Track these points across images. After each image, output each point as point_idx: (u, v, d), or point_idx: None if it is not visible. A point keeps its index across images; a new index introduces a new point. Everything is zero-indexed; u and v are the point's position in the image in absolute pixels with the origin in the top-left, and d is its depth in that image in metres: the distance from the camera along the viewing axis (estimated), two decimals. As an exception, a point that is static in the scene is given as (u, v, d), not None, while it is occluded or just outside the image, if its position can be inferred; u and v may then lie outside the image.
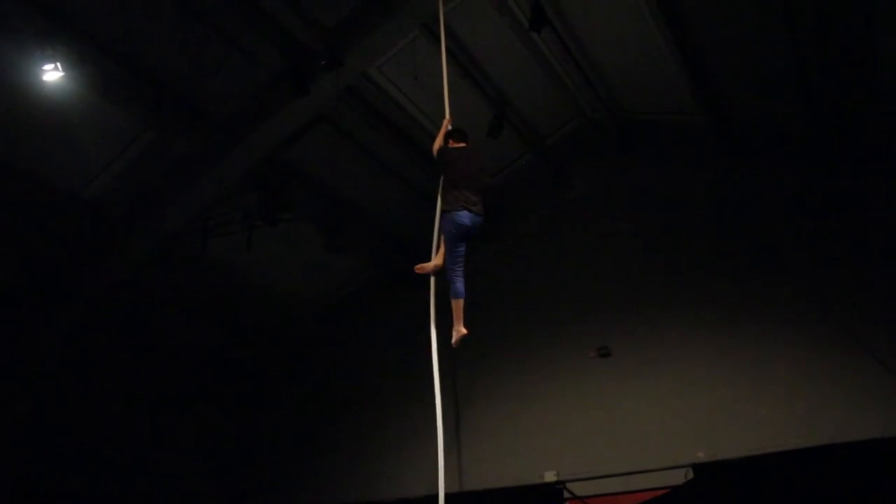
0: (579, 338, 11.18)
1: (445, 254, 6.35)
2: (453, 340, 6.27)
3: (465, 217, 6.24)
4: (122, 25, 8.23)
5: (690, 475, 9.21)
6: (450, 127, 6.94)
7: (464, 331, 6.25)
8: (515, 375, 11.67)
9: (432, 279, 6.40)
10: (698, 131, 10.53)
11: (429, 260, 6.58)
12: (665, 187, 11.48)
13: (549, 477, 10.48)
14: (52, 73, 7.85)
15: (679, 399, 10.02)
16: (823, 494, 8.21)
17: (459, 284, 6.23)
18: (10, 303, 10.67)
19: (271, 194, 10.35)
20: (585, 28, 9.50)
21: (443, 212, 6.34)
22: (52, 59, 7.74)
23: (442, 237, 6.42)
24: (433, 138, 7.13)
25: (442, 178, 6.53)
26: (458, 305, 6.26)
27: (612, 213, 11.87)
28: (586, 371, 10.99)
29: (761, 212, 10.51)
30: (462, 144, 6.79)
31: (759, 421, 9.29)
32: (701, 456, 9.34)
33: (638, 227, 11.47)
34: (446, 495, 11.31)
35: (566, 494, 10.10)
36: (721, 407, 9.67)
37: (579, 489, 10.03)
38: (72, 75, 7.98)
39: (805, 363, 9.38)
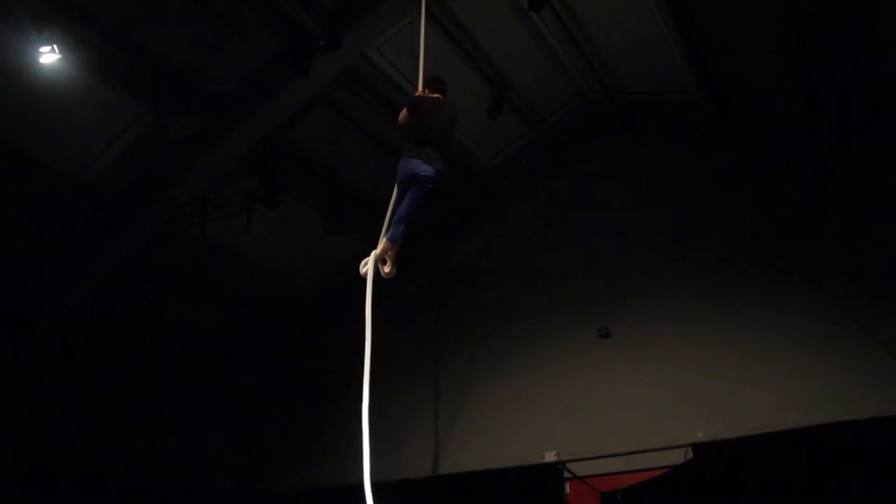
0: (580, 318, 11.19)
1: (394, 202, 6.18)
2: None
3: (416, 165, 5.91)
4: (120, 7, 8.19)
5: (690, 455, 9.24)
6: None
7: (387, 270, 6.31)
8: (516, 356, 11.71)
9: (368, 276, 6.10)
10: (699, 112, 10.48)
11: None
12: (665, 168, 11.45)
13: (550, 457, 10.51)
14: (49, 56, 7.79)
15: (679, 379, 10.04)
16: (822, 473, 8.23)
17: (395, 229, 6.17)
18: (10, 285, 10.69)
19: (270, 176, 10.33)
20: (584, 8, 9.42)
21: (402, 157, 6.03)
22: (49, 42, 7.69)
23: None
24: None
25: (407, 126, 6.16)
26: (386, 246, 6.20)
27: (612, 193, 11.85)
28: (587, 351, 11.01)
29: (762, 192, 10.48)
30: (437, 95, 6.48)
31: (759, 401, 9.31)
32: (700, 436, 9.36)
33: (638, 208, 11.45)
34: (448, 475, 11.38)
35: (566, 474, 10.14)
36: (721, 387, 9.68)
37: (580, 469, 10.08)
38: (69, 58, 7.93)
39: (804, 343, 9.38)
